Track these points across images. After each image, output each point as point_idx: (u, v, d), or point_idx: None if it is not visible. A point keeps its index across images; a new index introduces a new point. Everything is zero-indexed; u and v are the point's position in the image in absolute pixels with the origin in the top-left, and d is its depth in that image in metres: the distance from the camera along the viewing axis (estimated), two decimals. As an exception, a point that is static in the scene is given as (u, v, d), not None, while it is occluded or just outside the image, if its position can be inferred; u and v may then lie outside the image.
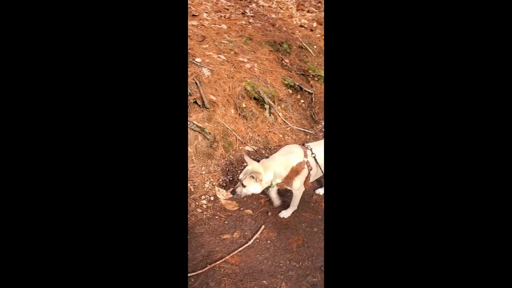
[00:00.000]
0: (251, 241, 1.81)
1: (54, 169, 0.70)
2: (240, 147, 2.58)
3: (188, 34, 3.08)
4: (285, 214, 2.01)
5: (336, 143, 0.80)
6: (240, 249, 1.76)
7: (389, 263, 0.75)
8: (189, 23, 3.27)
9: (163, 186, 0.76)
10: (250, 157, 1.87)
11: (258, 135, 2.73)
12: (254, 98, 2.83)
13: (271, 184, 1.81)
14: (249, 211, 2.04)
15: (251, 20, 3.75)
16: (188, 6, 3.57)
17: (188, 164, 2.36)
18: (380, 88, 0.77)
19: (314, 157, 1.85)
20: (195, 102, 2.57)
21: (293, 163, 1.80)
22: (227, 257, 1.71)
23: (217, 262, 1.67)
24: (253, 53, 3.24)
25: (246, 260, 1.71)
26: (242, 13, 3.90)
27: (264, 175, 1.74)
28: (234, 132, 2.61)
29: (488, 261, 0.69)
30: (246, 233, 1.88)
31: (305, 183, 1.88)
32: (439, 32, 0.75)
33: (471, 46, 0.73)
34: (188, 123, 2.46)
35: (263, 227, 1.92)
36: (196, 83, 2.65)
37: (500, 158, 0.70)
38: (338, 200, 0.79)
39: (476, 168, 0.71)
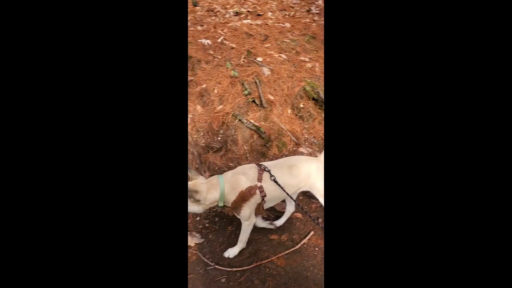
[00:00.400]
0: (299, 245, 1.79)
1: (54, 171, 0.70)
2: (294, 148, 2.55)
3: (252, 33, 3.15)
4: (231, 253, 1.71)
5: (337, 150, 0.77)
6: (286, 252, 1.75)
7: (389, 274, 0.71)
8: (253, 22, 3.33)
9: (162, 186, 0.75)
10: (194, 171, 1.61)
11: (314, 137, 2.66)
12: (313, 99, 2.76)
13: (217, 204, 1.60)
14: (299, 215, 2.01)
15: (315, 18, 3.65)
16: (254, 6, 3.64)
17: (242, 161, 2.43)
18: (380, 90, 0.75)
19: (274, 179, 1.58)
20: (253, 101, 2.62)
21: (243, 186, 1.57)
22: (273, 258, 1.72)
23: (263, 261, 1.69)
24: (315, 52, 3.15)
25: (291, 264, 1.69)
26: (307, 11, 3.81)
27: (204, 194, 1.53)
28: (289, 133, 2.59)
29: (488, 265, 0.68)
30: (294, 236, 1.86)
31: (258, 210, 1.64)
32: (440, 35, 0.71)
33: (471, 46, 0.70)
34: (245, 121, 2.53)
35: (312, 233, 1.87)
36: (255, 82, 2.69)
37: (500, 158, 0.69)
38: (339, 212, 0.76)
39: (476, 176, 0.69)
